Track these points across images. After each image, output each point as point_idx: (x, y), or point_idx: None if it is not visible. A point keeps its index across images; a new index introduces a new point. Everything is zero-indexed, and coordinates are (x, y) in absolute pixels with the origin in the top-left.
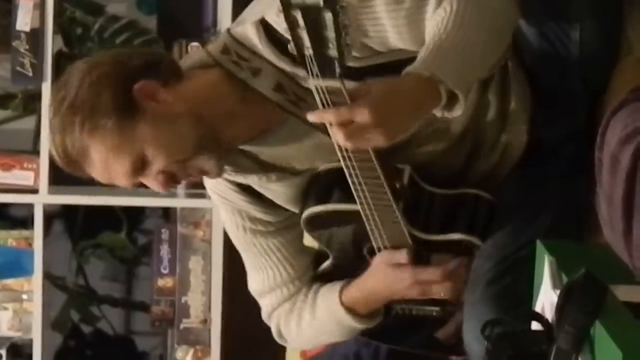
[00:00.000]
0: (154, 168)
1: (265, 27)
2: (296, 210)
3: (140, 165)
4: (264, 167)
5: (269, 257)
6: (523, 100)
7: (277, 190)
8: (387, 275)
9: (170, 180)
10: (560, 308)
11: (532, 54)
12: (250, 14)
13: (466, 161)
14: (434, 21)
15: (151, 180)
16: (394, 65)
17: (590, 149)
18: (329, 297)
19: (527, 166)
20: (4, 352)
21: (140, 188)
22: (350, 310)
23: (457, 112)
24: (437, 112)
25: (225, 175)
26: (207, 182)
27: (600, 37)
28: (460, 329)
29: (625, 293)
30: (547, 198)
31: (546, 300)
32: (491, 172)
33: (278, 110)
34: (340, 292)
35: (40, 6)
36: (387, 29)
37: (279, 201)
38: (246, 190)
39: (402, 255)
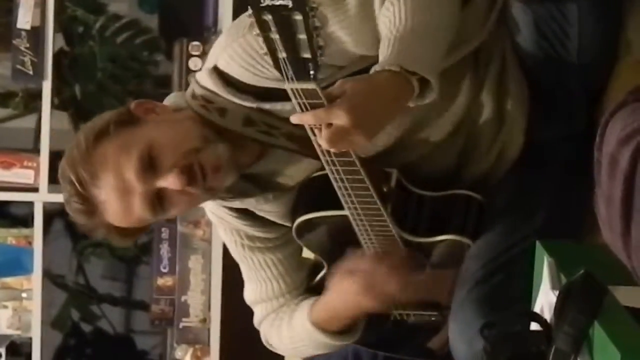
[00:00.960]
0: (166, 163)
1: (218, 73)
2: (290, 224)
3: (150, 159)
4: (263, 187)
5: (264, 271)
6: (521, 100)
7: (272, 210)
8: (340, 286)
9: (187, 173)
10: (559, 309)
11: (530, 54)
12: (208, 61)
13: (459, 163)
14: (385, 17)
15: (167, 178)
16: (359, 74)
17: (589, 150)
18: (303, 313)
19: (523, 167)
20: (3, 351)
21: None
22: (320, 327)
23: (431, 97)
24: (411, 103)
25: (222, 202)
26: (207, 205)
27: (600, 37)
28: None
29: (624, 295)
30: (542, 199)
31: (545, 300)
32: (487, 174)
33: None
34: (310, 308)
35: (41, 4)
36: (343, 40)
37: (274, 219)
38: (243, 212)
39: (357, 261)
